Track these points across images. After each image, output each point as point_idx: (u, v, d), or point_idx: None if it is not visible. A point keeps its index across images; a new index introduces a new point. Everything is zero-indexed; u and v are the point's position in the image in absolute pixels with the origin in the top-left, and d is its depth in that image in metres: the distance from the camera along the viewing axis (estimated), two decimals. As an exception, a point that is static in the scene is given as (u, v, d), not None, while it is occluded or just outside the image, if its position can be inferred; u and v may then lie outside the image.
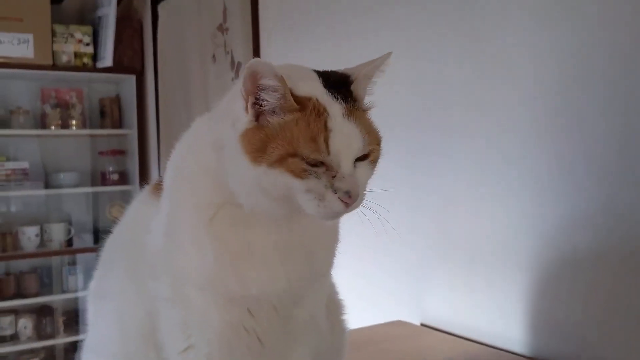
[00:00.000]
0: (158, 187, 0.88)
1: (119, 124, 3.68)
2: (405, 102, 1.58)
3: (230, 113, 0.76)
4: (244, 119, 0.73)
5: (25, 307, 3.38)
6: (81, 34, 3.42)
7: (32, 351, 3.36)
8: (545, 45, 1.23)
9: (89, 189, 3.65)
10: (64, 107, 3.50)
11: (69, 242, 3.50)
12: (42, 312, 3.42)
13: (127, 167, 3.71)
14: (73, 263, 3.54)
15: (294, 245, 0.80)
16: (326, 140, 0.70)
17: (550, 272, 1.24)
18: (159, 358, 0.83)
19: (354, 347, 1.05)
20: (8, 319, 3.28)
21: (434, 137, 1.51)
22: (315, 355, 0.89)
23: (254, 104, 0.72)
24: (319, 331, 0.89)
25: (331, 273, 0.91)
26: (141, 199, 0.94)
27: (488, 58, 1.36)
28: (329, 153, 0.70)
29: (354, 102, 0.76)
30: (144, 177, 3.55)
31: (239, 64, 2.42)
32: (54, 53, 3.33)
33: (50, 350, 3.44)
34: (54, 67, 3.34)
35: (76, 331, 3.46)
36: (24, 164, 3.38)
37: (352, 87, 0.77)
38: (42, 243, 3.42)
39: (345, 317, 0.99)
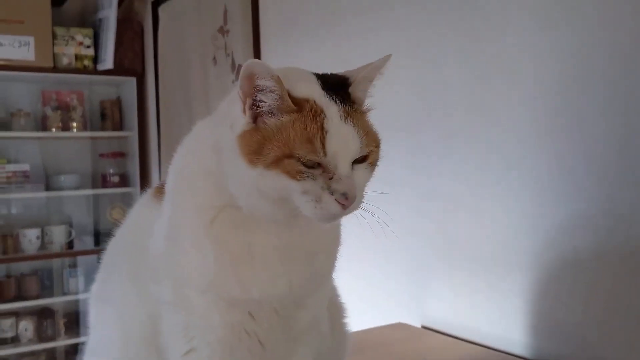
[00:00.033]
0: (160, 190, 0.88)
1: (119, 126, 3.69)
2: (405, 103, 1.58)
3: (229, 115, 0.76)
4: (242, 121, 0.73)
5: (26, 309, 3.38)
6: (82, 36, 3.43)
7: (33, 353, 3.36)
8: (545, 46, 1.23)
9: (90, 191, 3.65)
10: (64, 110, 3.51)
11: (70, 245, 3.50)
12: (43, 315, 3.42)
13: (128, 169, 3.72)
14: (74, 265, 3.54)
15: (294, 248, 0.80)
16: (322, 141, 0.70)
17: (551, 273, 1.24)
18: (160, 361, 0.83)
19: (355, 349, 1.05)
20: (9, 322, 3.28)
21: (434, 139, 1.51)
22: (317, 358, 0.90)
23: (252, 105, 0.73)
24: (320, 334, 0.90)
25: (333, 276, 0.91)
26: (143, 202, 0.94)
27: (488, 59, 1.36)
28: (325, 154, 0.70)
29: (352, 104, 0.76)
30: (144, 180, 3.55)
31: (240, 66, 2.42)
32: (54, 55, 3.33)
33: (51, 352, 3.44)
34: (55, 69, 3.34)
35: (77, 333, 3.46)
36: (25, 167, 3.39)
37: (351, 89, 0.77)
38: (42, 245, 3.42)
39: (346, 320, 0.99)
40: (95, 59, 3.48)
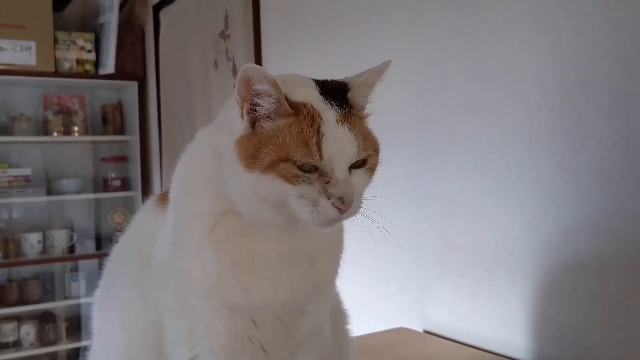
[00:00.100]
0: (163, 197, 0.88)
1: (120, 130, 3.69)
2: (406, 107, 1.58)
3: (228, 121, 0.77)
4: (240, 126, 0.74)
5: (27, 313, 3.38)
6: (83, 40, 3.43)
7: (35, 358, 3.36)
8: (546, 47, 1.23)
9: (91, 196, 3.65)
10: (66, 114, 3.51)
11: (71, 249, 3.50)
12: (45, 319, 3.42)
13: (129, 173, 3.72)
14: (75, 269, 3.55)
15: (296, 253, 0.80)
16: (318, 145, 0.70)
17: (553, 277, 1.24)
18: (163, 368, 0.84)
19: (357, 354, 1.05)
20: (11, 326, 3.28)
21: (435, 143, 1.51)
22: None
23: (250, 110, 0.73)
24: (323, 341, 0.90)
25: (335, 282, 0.91)
26: (146, 209, 0.94)
27: (489, 61, 1.36)
28: (321, 158, 0.70)
29: (349, 108, 0.76)
30: (146, 184, 3.56)
31: (241, 70, 2.43)
32: (56, 60, 3.34)
33: (53, 356, 3.43)
34: (56, 74, 3.35)
35: (78, 337, 3.46)
36: (27, 171, 3.39)
37: (349, 95, 0.77)
38: (44, 249, 3.42)
39: (349, 326, 1.00)
40: (97, 64, 3.48)
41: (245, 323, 0.80)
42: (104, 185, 3.66)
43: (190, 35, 2.86)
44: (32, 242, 3.35)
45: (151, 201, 0.94)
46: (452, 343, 1.45)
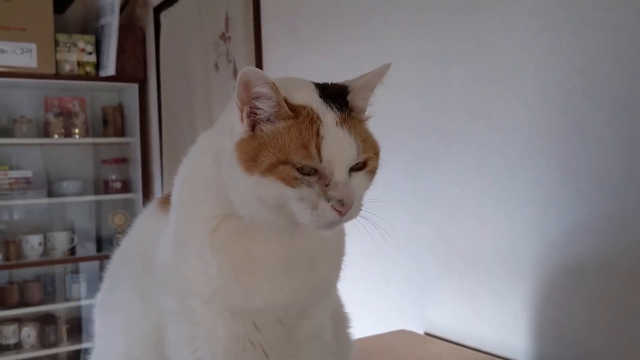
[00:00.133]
0: (165, 201, 0.88)
1: (121, 132, 3.69)
2: (406, 108, 1.58)
3: (228, 124, 0.77)
4: (240, 129, 0.74)
5: (28, 315, 3.38)
6: (84, 43, 3.44)
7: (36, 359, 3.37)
8: (548, 51, 1.23)
9: (92, 197, 3.66)
10: (66, 116, 3.52)
11: (72, 251, 3.51)
12: (46, 321, 3.42)
13: (130, 175, 3.72)
14: (76, 271, 3.55)
15: (297, 256, 0.80)
16: (318, 147, 0.70)
17: (554, 279, 1.24)
18: (165, 371, 0.84)
19: (358, 356, 1.05)
20: (11, 328, 3.29)
21: (435, 144, 1.51)
22: None
23: (250, 113, 0.73)
24: (324, 344, 0.90)
25: (337, 286, 0.91)
26: (148, 213, 0.94)
27: (490, 64, 1.36)
28: (321, 160, 0.70)
29: (349, 111, 0.76)
30: (146, 186, 3.56)
31: (241, 72, 2.43)
32: (57, 62, 3.35)
33: (54, 358, 3.44)
34: (57, 76, 3.35)
35: (79, 339, 3.46)
36: (27, 173, 3.39)
37: (349, 97, 0.77)
38: (45, 251, 3.43)
39: (350, 329, 1.00)
40: (97, 66, 3.49)
41: (247, 326, 0.80)
42: (105, 187, 3.66)
43: (190, 38, 2.86)
44: (32, 244, 3.36)
45: (153, 205, 0.94)
46: (453, 345, 1.45)
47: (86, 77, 3.46)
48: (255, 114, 0.73)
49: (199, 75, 2.79)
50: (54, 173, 3.56)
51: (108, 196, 3.65)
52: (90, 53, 3.46)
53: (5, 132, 3.36)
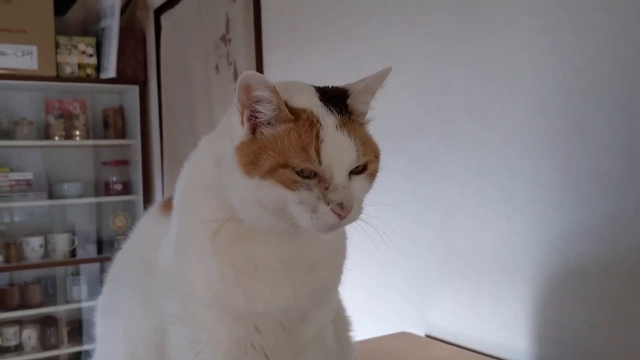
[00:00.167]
0: (167, 205, 0.89)
1: (122, 134, 3.70)
2: (407, 111, 1.59)
3: (229, 127, 0.77)
4: (240, 132, 0.74)
5: (29, 317, 3.38)
6: (85, 45, 3.44)
7: (36, 362, 3.37)
8: (548, 53, 1.23)
9: (93, 199, 3.65)
10: (67, 118, 3.52)
11: (73, 253, 3.51)
12: (46, 323, 3.42)
13: (131, 177, 3.72)
14: (77, 273, 3.55)
15: (298, 259, 0.80)
16: (317, 150, 0.70)
17: (554, 282, 1.24)
18: (167, 375, 0.84)
19: (359, 359, 1.05)
20: (12, 330, 3.29)
21: (436, 147, 1.52)
22: None
23: (250, 116, 0.73)
24: (325, 347, 0.90)
25: (338, 289, 0.91)
26: (149, 216, 0.95)
27: (491, 67, 1.36)
28: (320, 163, 0.70)
29: (349, 114, 0.76)
30: (147, 187, 3.56)
31: (242, 74, 2.43)
32: (57, 64, 3.35)
33: (55, 360, 3.44)
34: (58, 78, 3.35)
35: (80, 342, 3.46)
36: (28, 175, 3.40)
37: (349, 101, 0.77)
38: (46, 253, 3.43)
39: (351, 333, 1.00)
40: (98, 68, 3.49)
41: (248, 330, 0.81)
42: (106, 189, 3.67)
43: (191, 40, 2.86)
44: (33, 246, 3.36)
45: (154, 208, 0.95)
46: (453, 347, 1.45)
47: (87, 79, 3.46)
48: (256, 117, 0.73)
49: (200, 77, 2.79)
50: (54, 175, 3.56)
51: (109, 198, 3.65)
52: (90, 55, 3.46)
53: (6, 134, 3.36)
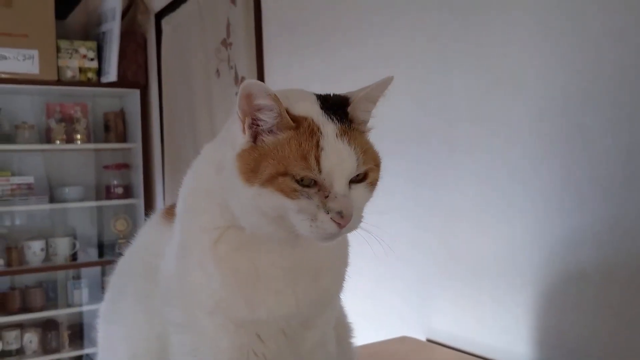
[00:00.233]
0: (169, 212, 0.89)
1: (123, 138, 3.70)
2: (408, 115, 1.59)
3: (230, 135, 0.77)
4: (241, 140, 0.74)
5: (30, 321, 3.38)
6: (85, 49, 3.45)
7: (38, 365, 3.37)
8: (551, 60, 1.23)
9: (94, 203, 3.65)
10: (68, 122, 3.53)
11: (74, 256, 3.51)
12: (48, 327, 3.42)
13: (132, 180, 3.73)
14: (78, 277, 3.55)
15: (299, 267, 0.80)
16: (317, 159, 0.70)
17: (555, 287, 1.24)
18: (168, 382, 0.84)
19: (361, 364, 1.05)
20: (14, 334, 3.29)
21: (437, 152, 1.52)
22: None
23: (251, 124, 0.73)
24: (327, 354, 0.90)
25: (340, 296, 0.91)
26: (152, 223, 0.95)
27: (492, 71, 1.36)
28: (320, 171, 0.70)
29: (350, 123, 0.76)
30: (148, 191, 3.57)
31: (243, 78, 2.44)
32: (58, 68, 3.35)
33: (56, 364, 3.44)
34: (59, 82, 3.36)
35: (81, 345, 3.46)
36: (29, 179, 3.40)
37: (349, 109, 0.77)
38: (47, 257, 3.43)
39: (353, 339, 1.00)
40: (99, 72, 3.50)
41: (250, 338, 0.81)
42: (107, 192, 3.67)
43: (192, 44, 2.87)
44: (34, 249, 3.36)
45: (157, 215, 0.95)
46: (455, 352, 1.45)
47: (88, 83, 3.47)
48: (257, 125, 0.73)
49: (200, 81, 2.80)
50: (55, 179, 3.56)
51: (110, 202, 3.65)
52: (91, 59, 3.47)
53: (7, 138, 3.36)
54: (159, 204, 3.44)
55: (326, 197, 0.71)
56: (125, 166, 3.74)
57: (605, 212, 1.14)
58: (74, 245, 3.50)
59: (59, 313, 3.45)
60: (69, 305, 3.49)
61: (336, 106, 0.77)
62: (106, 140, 3.68)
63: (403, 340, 1.56)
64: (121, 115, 3.72)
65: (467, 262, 1.45)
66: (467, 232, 1.45)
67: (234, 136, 0.76)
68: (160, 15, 3.25)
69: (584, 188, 1.17)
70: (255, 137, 0.74)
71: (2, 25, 3.17)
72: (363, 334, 1.12)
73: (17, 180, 3.36)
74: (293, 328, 0.83)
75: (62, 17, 3.54)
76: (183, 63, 2.98)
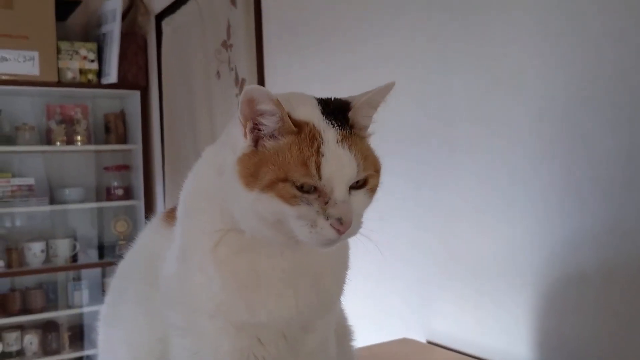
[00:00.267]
0: (170, 215, 0.89)
1: (123, 139, 3.70)
2: (408, 116, 1.58)
3: (230, 138, 0.77)
4: (242, 144, 0.74)
5: (30, 322, 3.38)
6: (86, 50, 3.45)
7: (38, 367, 3.37)
8: (551, 60, 1.23)
9: (94, 205, 3.65)
10: (69, 123, 3.53)
11: (74, 258, 3.51)
12: (48, 328, 3.42)
13: (132, 182, 3.73)
14: (78, 278, 3.55)
15: (300, 270, 0.80)
16: (317, 165, 0.70)
17: (556, 288, 1.24)
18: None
19: (361, 366, 1.05)
20: (14, 335, 3.28)
21: (437, 152, 1.52)
22: None
23: (253, 128, 0.73)
24: (328, 358, 0.90)
25: (341, 299, 0.91)
26: (152, 226, 0.95)
27: (493, 72, 1.36)
28: (320, 178, 0.70)
29: (350, 128, 0.76)
30: (148, 192, 3.57)
31: (243, 80, 2.44)
32: (59, 70, 3.36)
33: (56, 365, 3.44)
34: (59, 83, 3.36)
35: (81, 347, 3.46)
36: (30, 180, 3.40)
37: (350, 114, 0.77)
38: (47, 259, 3.42)
39: (353, 342, 1.00)
40: (99, 73, 3.50)
41: (251, 341, 0.81)
42: (107, 194, 3.67)
43: (192, 45, 2.87)
44: (35, 251, 3.36)
45: (157, 219, 0.95)
46: (455, 353, 1.44)
47: (88, 84, 3.47)
48: (259, 129, 0.73)
49: (201, 82, 2.80)
50: (56, 180, 3.56)
51: (110, 203, 3.65)
52: (92, 60, 3.47)
53: (8, 140, 3.36)
54: (159, 205, 3.44)
55: (326, 203, 0.70)
56: (126, 167, 3.74)
57: (605, 213, 1.14)
58: (74, 247, 3.50)
59: (59, 314, 3.45)
60: (69, 307, 3.49)
61: (337, 111, 0.76)
62: (106, 142, 3.68)
63: (403, 342, 1.56)
64: (121, 116, 3.72)
65: (468, 263, 1.44)
66: (467, 233, 1.45)
67: (235, 140, 0.75)
68: (160, 17, 3.25)
69: (584, 189, 1.17)
70: (256, 141, 0.74)
71: (2, 26, 3.18)
72: (363, 336, 1.12)
73: (17, 181, 3.36)
74: (293, 331, 0.82)
75: (63, 19, 3.54)
76: (183, 64, 2.98)
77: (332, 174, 0.71)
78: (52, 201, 3.48)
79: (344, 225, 0.70)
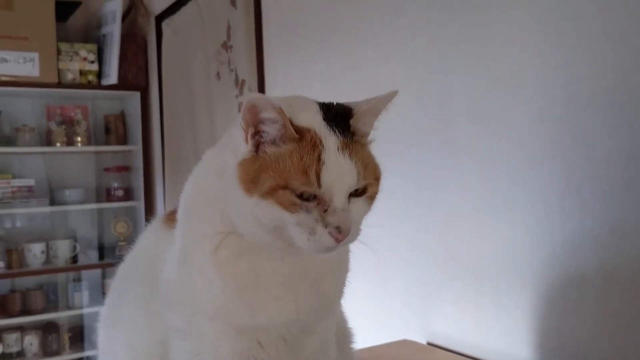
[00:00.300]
0: (170, 217, 0.89)
1: (123, 140, 3.70)
2: (409, 116, 1.58)
3: (231, 141, 0.77)
4: (244, 149, 0.74)
5: (31, 323, 3.38)
6: (86, 51, 3.45)
7: (38, 368, 3.37)
8: (551, 60, 1.23)
9: (94, 206, 3.66)
10: (69, 124, 3.53)
11: (74, 259, 3.51)
12: (48, 329, 3.42)
13: (132, 183, 3.73)
14: (78, 279, 3.55)
15: (300, 273, 0.80)
16: (318, 173, 0.70)
17: (556, 290, 1.24)
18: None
19: (361, 368, 1.05)
20: (14, 336, 3.28)
21: (437, 153, 1.51)
22: None
23: (255, 134, 0.73)
24: (328, 360, 0.90)
25: (341, 302, 0.91)
26: (152, 229, 0.95)
27: (493, 73, 1.36)
28: (320, 186, 0.70)
29: (352, 135, 0.75)
30: (148, 193, 3.57)
31: (243, 81, 2.44)
32: (59, 71, 3.36)
33: (56, 366, 3.44)
34: (60, 85, 3.37)
35: (81, 348, 3.46)
36: (30, 181, 3.40)
37: (352, 121, 0.76)
38: (47, 260, 3.43)
39: (353, 345, 0.99)
40: (100, 74, 3.50)
41: (251, 344, 0.80)
42: (107, 195, 3.67)
43: (192, 46, 2.87)
44: (35, 252, 3.36)
45: (157, 221, 0.95)
46: (455, 355, 1.44)
47: (88, 85, 3.47)
48: (261, 136, 0.73)
49: (201, 83, 2.80)
50: (56, 181, 3.56)
51: (110, 204, 3.65)
52: (92, 62, 3.47)
53: (8, 141, 3.36)
54: (160, 206, 3.44)
55: (325, 211, 0.70)
56: (126, 169, 3.74)
57: (605, 214, 1.14)
58: (74, 248, 3.50)
59: (60, 315, 3.45)
60: (69, 308, 3.49)
61: (339, 117, 0.76)
62: (106, 143, 3.68)
63: (403, 343, 1.56)
64: (121, 117, 3.72)
65: (468, 264, 1.44)
66: (467, 233, 1.44)
67: (236, 143, 0.75)
68: (160, 18, 3.25)
69: (584, 189, 1.17)
70: (257, 147, 0.73)
71: (2, 27, 3.18)
72: (363, 337, 1.11)
73: (17, 182, 3.36)
74: (293, 334, 0.82)
75: (63, 20, 3.55)
76: (183, 65, 2.98)
77: (332, 183, 0.70)
78: (52, 202, 3.49)
79: (343, 234, 0.70)
